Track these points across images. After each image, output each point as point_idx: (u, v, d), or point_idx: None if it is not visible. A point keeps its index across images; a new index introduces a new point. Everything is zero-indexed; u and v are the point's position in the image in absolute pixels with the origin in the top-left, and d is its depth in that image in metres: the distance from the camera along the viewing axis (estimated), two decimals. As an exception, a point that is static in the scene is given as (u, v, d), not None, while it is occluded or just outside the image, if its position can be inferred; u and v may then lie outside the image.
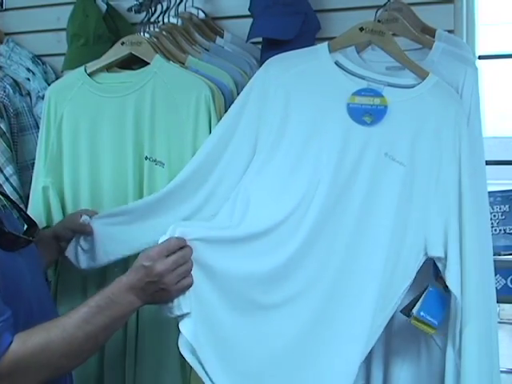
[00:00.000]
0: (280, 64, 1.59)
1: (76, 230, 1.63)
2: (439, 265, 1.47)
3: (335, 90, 1.54)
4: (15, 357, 1.21)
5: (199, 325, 1.36)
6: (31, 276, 1.37)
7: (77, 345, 1.26)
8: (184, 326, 1.36)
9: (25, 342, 1.23)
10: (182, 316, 1.36)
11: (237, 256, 1.43)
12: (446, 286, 1.46)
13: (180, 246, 1.34)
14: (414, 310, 1.46)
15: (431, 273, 1.52)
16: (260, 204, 1.50)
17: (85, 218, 1.62)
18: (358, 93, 1.53)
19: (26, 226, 1.47)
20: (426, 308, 1.46)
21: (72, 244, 1.65)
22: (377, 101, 1.51)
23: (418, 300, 1.48)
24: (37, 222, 1.49)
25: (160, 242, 1.36)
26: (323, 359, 1.45)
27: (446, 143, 1.48)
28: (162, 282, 1.31)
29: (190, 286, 1.35)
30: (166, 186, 1.63)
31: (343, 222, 1.49)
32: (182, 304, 1.35)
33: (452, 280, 1.44)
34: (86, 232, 1.62)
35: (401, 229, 1.48)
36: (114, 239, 1.62)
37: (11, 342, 1.21)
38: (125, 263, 1.72)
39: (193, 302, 1.36)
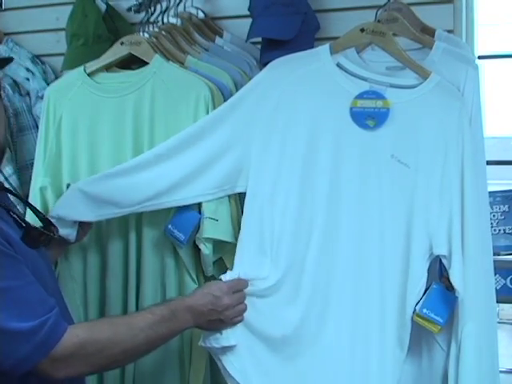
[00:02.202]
0: (282, 67, 1.59)
1: None
2: (445, 263, 1.48)
3: (338, 93, 1.54)
4: (80, 341, 1.28)
5: (247, 359, 1.51)
6: (50, 277, 1.41)
7: (137, 345, 1.35)
8: (231, 366, 1.51)
9: (91, 329, 1.32)
10: (226, 348, 1.50)
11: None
12: (451, 286, 1.46)
13: (244, 288, 1.52)
14: (417, 307, 1.47)
15: (437, 272, 1.52)
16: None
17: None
18: (361, 96, 1.53)
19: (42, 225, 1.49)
20: (430, 305, 1.46)
21: None
22: (379, 103, 1.51)
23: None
24: (33, 222, 1.49)
25: (226, 278, 1.51)
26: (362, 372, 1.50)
27: (449, 143, 1.49)
28: (224, 313, 1.47)
29: (240, 322, 1.51)
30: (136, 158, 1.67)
31: (351, 227, 1.51)
32: (231, 336, 1.50)
33: (455, 277, 1.44)
34: None
35: (407, 229, 1.49)
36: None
37: (67, 328, 1.28)
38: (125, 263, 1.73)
39: (240, 335, 1.51)
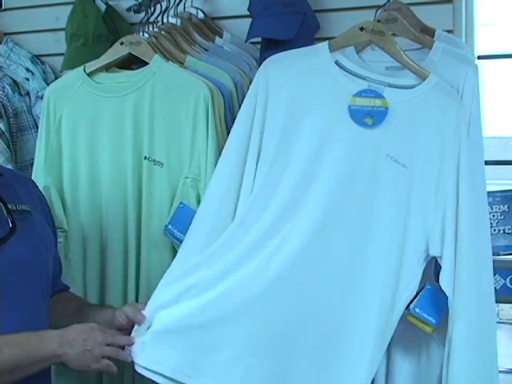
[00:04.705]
0: (279, 63, 1.58)
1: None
2: (440, 263, 1.47)
3: (336, 91, 1.53)
4: None
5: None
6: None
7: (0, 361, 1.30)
8: None
9: None
10: None
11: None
12: None
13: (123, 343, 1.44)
14: (411, 306, 1.47)
15: (432, 273, 1.52)
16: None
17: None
18: (359, 94, 1.52)
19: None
20: (422, 305, 1.46)
21: None
22: (378, 102, 1.51)
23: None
24: None
25: None
26: (334, 369, 1.47)
27: (446, 144, 1.48)
28: (98, 340, 1.38)
29: (107, 367, 1.40)
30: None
31: (344, 225, 1.50)
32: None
33: (444, 278, 1.45)
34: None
35: (403, 229, 1.48)
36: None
37: None
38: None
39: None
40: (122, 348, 1.45)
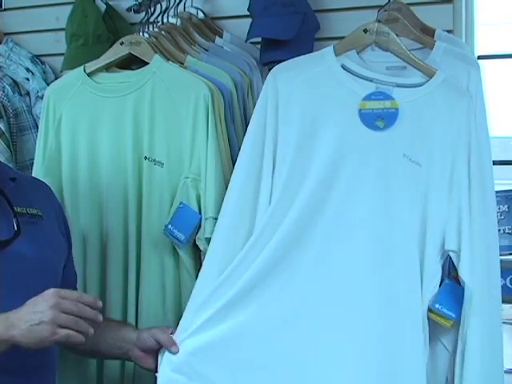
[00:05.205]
0: (287, 71, 1.58)
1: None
2: (454, 258, 1.48)
3: (345, 96, 1.53)
4: None
5: None
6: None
7: None
8: None
9: None
10: None
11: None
12: (459, 283, 1.47)
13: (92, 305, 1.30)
14: (429, 303, 1.47)
15: (445, 269, 1.53)
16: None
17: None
18: (368, 97, 1.52)
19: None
20: (442, 300, 1.47)
21: None
22: (387, 104, 1.50)
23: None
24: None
25: None
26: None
27: (458, 139, 1.49)
28: (47, 313, 1.25)
29: (66, 337, 1.26)
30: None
31: (365, 228, 1.50)
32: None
33: (464, 270, 1.45)
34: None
35: (423, 227, 1.49)
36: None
37: None
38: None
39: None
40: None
